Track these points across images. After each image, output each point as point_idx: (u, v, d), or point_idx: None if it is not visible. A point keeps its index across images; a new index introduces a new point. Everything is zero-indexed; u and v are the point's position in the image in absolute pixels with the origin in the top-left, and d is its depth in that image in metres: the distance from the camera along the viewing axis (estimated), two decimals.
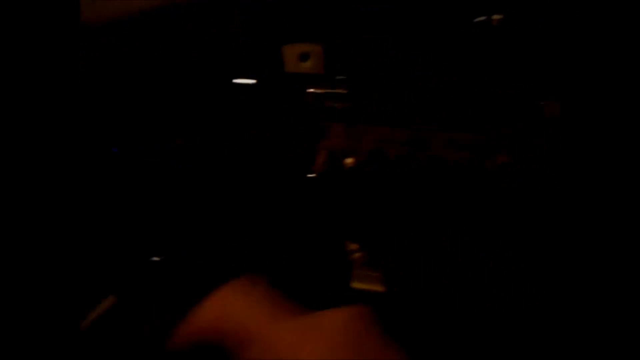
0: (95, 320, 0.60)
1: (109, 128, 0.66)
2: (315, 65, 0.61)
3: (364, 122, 0.61)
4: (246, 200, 0.66)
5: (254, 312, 0.36)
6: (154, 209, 0.67)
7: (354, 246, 0.65)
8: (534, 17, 0.56)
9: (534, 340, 0.58)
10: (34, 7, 0.46)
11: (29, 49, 0.46)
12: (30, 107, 0.46)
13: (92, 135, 0.65)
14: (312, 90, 0.62)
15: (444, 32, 0.58)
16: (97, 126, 0.65)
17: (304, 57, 0.61)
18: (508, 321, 0.59)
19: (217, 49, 0.64)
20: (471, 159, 0.59)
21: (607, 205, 0.56)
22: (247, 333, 0.35)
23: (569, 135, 0.56)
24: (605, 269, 0.57)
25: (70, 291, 0.48)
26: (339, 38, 0.61)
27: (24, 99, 0.46)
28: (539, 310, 0.59)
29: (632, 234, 0.56)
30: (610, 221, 0.56)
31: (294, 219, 0.65)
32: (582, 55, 0.55)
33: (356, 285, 0.63)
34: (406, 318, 0.61)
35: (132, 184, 0.68)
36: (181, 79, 0.64)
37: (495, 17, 0.57)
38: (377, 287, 0.63)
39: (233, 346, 0.36)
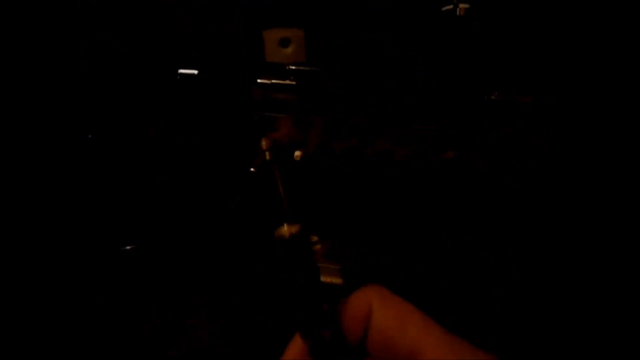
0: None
1: (108, 126, 0.66)
2: (297, 52, 0.60)
3: (313, 114, 0.61)
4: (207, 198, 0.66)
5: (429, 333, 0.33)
6: (147, 206, 0.67)
7: (313, 238, 0.64)
8: (532, 16, 0.56)
9: (534, 340, 0.58)
10: (34, 7, 0.46)
11: (29, 49, 0.46)
12: (30, 107, 0.46)
13: (90, 133, 0.65)
14: (260, 80, 0.61)
15: (441, 31, 0.58)
16: (96, 124, 0.65)
17: (284, 42, 0.61)
18: (508, 321, 0.59)
19: (217, 49, 0.64)
20: (418, 153, 0.59)
21: (607, 205, 0.56)
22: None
23: (569, 135, 0.56)
24: (605, 269, 0.57)
25: (68, 290, 0.48)
26: (339, 38, 0.61)
27: (24, 98, 0.46)
28: (539, 310, 0.59)
29: (632, 234, 0.56)
30: (610, 221, 0.56)
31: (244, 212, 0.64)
32: (582, 56, 0.55)
33: None
34: None
35: (130, 182, 0.68)
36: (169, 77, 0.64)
37: (462, 6, 0.56)
38: (336, 280, 0.62)
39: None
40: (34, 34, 0.47)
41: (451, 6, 0.57)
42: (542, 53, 0.56)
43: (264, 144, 0.58)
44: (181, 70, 0.61)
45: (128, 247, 0.65)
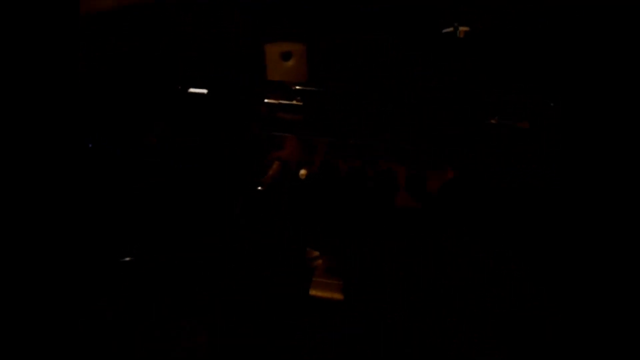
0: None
1: (108, 126, 0.66)
2: (298, 65, 0.61)
3: (318, 134, 0.62)
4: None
5: None
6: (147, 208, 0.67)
7: (314, 253, 0.65)
8: (532, 17, 0.56)
9: (533, 339, 0.59)
10: (34, 7, 0.46)
11: (29, 48, 0.46)
12: (30, 107, 0.46)
13: (90, 133, 0.65)
14: (267, 101, 0.62)
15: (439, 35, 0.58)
16: (96, 125, 0.65)
17: (286, 56, 0.61)
18: (508, 321, 0.59)
19: (217, 48, 0.64)
20: (418, 174, 0.60)
21: (607, 205, 0.56)
22: None
23: (569, 135, 0.56)
24: (605, 269, 0.57)
25: (68, 290, 0.48)
26: (339, 38, 0.61)
27: (25, 98, 0.46)
28: (539, 309, 0.59)
29: (632, 234, 0.56)
30: (610, 221, 0.56)
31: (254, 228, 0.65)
32: (582, 56, 0.55)
33: (315, 293, 0.64)
34: (407, 319, 0.61)
35: (130, 183, 0.68)
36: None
37: (462, 29, 0.57)
38: (336, 295, 0.63)
39: None
40: (34, 34, 0.47)
41: (451, 29, 0.57)
42: (542, 53, 0.56)
43: (271, 163, 0.59)
44: (191, 90, 0.61)
45: (127, 259, 0.66)
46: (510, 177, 0.58)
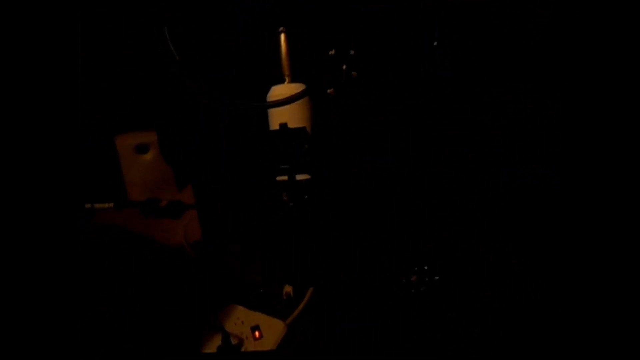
0: None
1: (108, 126, 0.66)
2: (156, 157, 0.58)
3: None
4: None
5: None
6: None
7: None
8: (532, 16, 0.56)
9: (533, 336, 0.59)
10: (34, 8, 0.46)
11: (29, 49, 0.46)
12: (30, 107, 0.47)
13: (90, 133, 0.65)
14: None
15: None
16: (95, 124, 0.65)
17: (142, 148, 0.59)
18: (508, 316, 0.60)
19: (217, 49, 0.63)
20: None
21: (607, 205, 0.56)
22: None
23: (569, 135, 0.56)
24: (605, 267, 0.57)
25: (68, 290, 0.48)
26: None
27: (25, 98, 0.46)
28: (538, 305, 0.60)
29: (632, 233, 0.56)
30: (610, 220, 0.57)
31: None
32: (582, 56, 0.55)
33: None
34: (408, 316, 0.62)
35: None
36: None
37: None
38: None
39: None
40: (35, 34, 0.47)
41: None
42: (542, 53, 0.56)
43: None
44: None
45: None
46: (510, 177, 0.58)
